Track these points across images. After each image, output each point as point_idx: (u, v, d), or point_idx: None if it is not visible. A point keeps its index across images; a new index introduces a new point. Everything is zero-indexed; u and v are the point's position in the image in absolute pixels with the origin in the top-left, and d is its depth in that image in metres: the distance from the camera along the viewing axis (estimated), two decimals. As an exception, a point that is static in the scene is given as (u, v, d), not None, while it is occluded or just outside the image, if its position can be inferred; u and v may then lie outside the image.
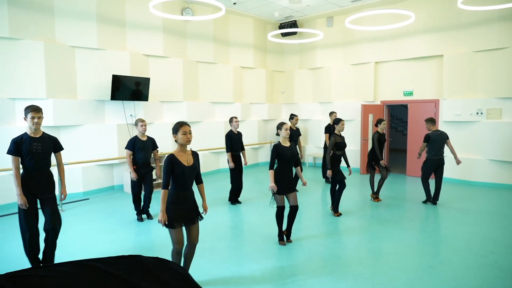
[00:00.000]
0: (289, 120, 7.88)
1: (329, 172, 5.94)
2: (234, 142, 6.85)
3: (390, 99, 10.05)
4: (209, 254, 4.54)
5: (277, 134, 4.88)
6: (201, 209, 3.69)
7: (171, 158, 3.42)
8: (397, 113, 16.11)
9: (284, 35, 11.44)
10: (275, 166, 4.77)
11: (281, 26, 11.45)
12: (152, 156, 6.19)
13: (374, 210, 6.55)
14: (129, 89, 8.03)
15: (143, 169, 5.93)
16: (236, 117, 6.93)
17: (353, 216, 6.12)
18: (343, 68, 10.81)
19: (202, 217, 3.66)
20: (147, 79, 8.34)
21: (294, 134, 7.77)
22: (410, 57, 9.45)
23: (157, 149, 6.21)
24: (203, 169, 9.68)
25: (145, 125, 5.95)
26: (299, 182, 7.96)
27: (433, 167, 6.67)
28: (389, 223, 5.76)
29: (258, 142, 11.43)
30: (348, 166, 6.24)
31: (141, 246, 4.91)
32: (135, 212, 6.09)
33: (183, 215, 3.50)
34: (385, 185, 8.51)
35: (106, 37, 7.95)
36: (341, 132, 6.09)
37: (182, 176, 3.44)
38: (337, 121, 6.05)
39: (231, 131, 6.92)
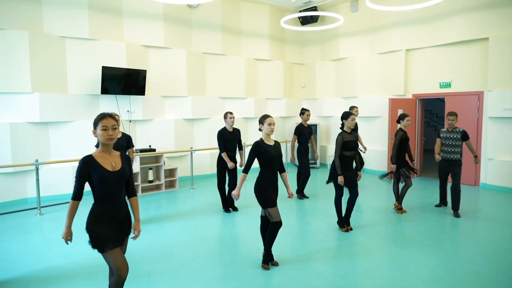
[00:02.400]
0: (300, 115, 6.84)
1: (340, 179, 4.84)
2: (227, 141, 5.95)
3: (423, 92, 8.65)
4: (167, 277, 3.67)
5: (260, 130, 3.91)
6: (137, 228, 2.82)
7: (87, 160, 2.59)
8: (433, 108, 14.36)
9: (304, 23, 10.34)
10: (253, 169, 3.81)
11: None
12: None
13: (394, 224, 5.36)
14: (121, 82, 7.38)
15: None
16: (231, 113, 6.01)
17: (366, 232, 4.99)
18: (369, 58, 9.54)
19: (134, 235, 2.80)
20: (143, 71, 7.66)
21: (306, 132, 6.73)
22: (448, 42, 8.02)
23: (133, 148, 5.46)
24: (213, 170, 8.88)
25: (118, 120, 5.20)
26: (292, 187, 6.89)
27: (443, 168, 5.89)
28: (410, 243, 4.58)
29: (284, 140, 10.42)
30: (359, 169, 5.12)
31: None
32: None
33: (115, 233, 2.66)
34: (415, 193, 7.24)
35: (100, 26, 7.35)
36: (351, 128, 4.98)
37: (103, 185, 2.59)
38: (346, 115, 4.94)
39: (224, 128, 6.02)
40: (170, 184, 8.10)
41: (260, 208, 6.28)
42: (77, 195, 2.59)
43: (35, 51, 6.60)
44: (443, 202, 6.21)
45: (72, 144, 7.14)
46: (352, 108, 7.58)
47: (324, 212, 6.07)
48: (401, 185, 6.11)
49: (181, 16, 8.59)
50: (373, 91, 9.57)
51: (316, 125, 10.63)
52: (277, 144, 3.89)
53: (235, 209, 6.20)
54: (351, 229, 5.09)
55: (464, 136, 5.60)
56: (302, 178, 6.90)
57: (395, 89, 9.03)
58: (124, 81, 7.39)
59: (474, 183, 7.88)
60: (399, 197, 5.96)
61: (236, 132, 6.12)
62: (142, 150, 7.53)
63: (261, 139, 3.86)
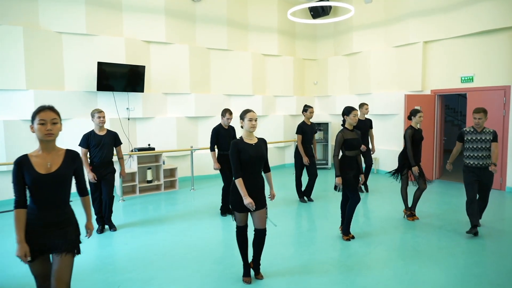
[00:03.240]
0: (302, 112, 6.35)
1: (337, 180, 4.36)
2: (222, 139, 5.55)
3: (443, 87, 7.96)
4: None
5: (241, 127, 3.49)
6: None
7: (20, 161, 2.27)
8: (457, 105, 13.44)
9: (315, 15, 9.81)
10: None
11: (312, 8, 9.81)
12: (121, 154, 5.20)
13: (404, 233, 4.81)
14: (118, 78, 7.12)
15: (102, 170, 4.90)
16: (229, 110, 5.62)
17: (371, 242, 4.47)
18: (384, 52, 8.91)
19: (78, 251, 2.46)
20: (142, 67, 7.37)
21: (309, 131, 6.23)
22: (470, 33, 7.30)
23: (121, 145, 5.15)
24: (216, 171, 8.51)
25: (104, 117, 4.90)
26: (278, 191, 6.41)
27: (473, 178, 4.66)
28: (419, 256, 4.03)
29: (284, 140, 9.98)
30: (362, 172, 4.60)
31: (95, 264, 3.81)
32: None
33: (45, 241, 2.33)
34: (432, 197, 6.61)
35: (98, 22, 7.12)
36: (353, 126, 4.47)
37: (36, 188, 2.26)
38: (348, 110, 4.44)
39: (219, 125, 5.64)
40: (171, 185, 7.79)
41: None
42: (19, 202, 2.28)
43: (30, 47, 6.42)
44: (475, 222, 4.56)
45: (69, 142, 6.90)
46: (362, 105, 7.02)
47: (327, 217, 5.57)
48: (412, 188, 5.51)
49: (184, 10, 8.26)
50: (388, 87, 8.93)
51: (327, 124, 10.08)
52: (260, 143, 3.45)
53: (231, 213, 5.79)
54: (352, 237, 4.59)
55: (494, 137, 4.57)
56: (309, 181, 6.41)
57: (412, 85, 8.37)
58: (122, 78, 7.13)
59: (499, 187, 7.14)
60: (413, 202, 5.38)
61: (231, 130, 5.73)
62: (140, 149, 7.26)
63: (240, 137, 3.43)
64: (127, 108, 7.53)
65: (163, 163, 7.58)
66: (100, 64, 6.81)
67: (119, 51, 7.34)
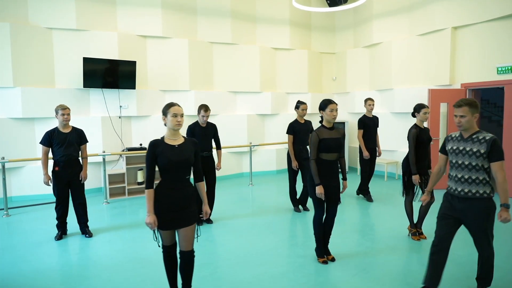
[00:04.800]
0: (295, 109, 5.59)
1: (318, 190, 3.55)
2: (198, 139, 4.96)
3: (475, 80, 6.75)
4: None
5: (165, 125, 2.86)
6: None
7: None
8: (496, 98, 11.63)
9: (332, 4, 8.91)
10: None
11: (329, -5, 8.92)
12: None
13: (400, 256, 3.90)
14: (107, 75, 6.79)
15: (70, 170, 4.51)
16: (205, 109, 5.01)
17: (354, 266, 3.64)
18: (407, 41, 7.82)
19: None
20: (132, 63, 7.00)
21: (301, 131, 5.43)
22: (508, 14, 6.08)
23: (86, 143, 4.74)
24: (219, 172, 8.03)
25: (68, 114, 4.51)
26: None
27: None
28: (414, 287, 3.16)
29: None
30: (344, 178, 3.78)
31: (56, 272, 3.43)
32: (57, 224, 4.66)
33: None
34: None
35: (89, 16, 6.85)
36: (333, 123, 3.67)
37: None
38: (324, 104, 3.65)
39: (195, 123, 5.06)
40: (166, 187, 7.33)
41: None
42: None
43: (17, 44, 6.29)
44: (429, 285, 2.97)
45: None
46: (366, 100, 6.13)
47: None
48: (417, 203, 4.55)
49: (183, 3, 7.79)
50: (412, 81, 7.83)
51: (344, 123, 9.13)
52: (187, 144, 2.81)
53: (209, 221, 5.20)
54: (332, 259, 3.78)
55: (493, 152, 2.72)
56: (304, 188, 5.64)
57: (439, 78, 7.23)
58: (110, 74, 6.80)
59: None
60: (418, 217, 4.44)
61: (211, 127, 5.12)
62: (130, 149, 6.89)
63: (162, 137, 2.82)
64: (121, 106, 7.20)
65: (156, 164, 7.16)
66: (86, 60, 6.52)
67: (112, 46, 7.02)
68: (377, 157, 6.42)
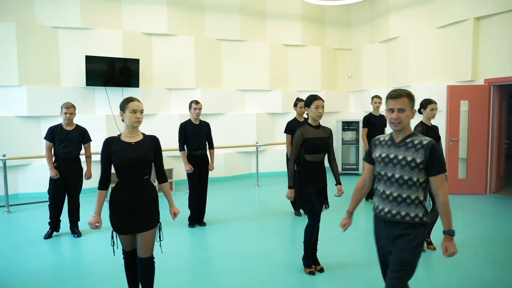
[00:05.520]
0: (294, 107, 5.28)
1: (288, 193, 3.30)
2: (190, 137, 4.77)
3: (501, 75, 6.14)
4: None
5: (122, 120, 2.65)
6: None
7: None
8: None
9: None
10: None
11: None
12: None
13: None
14: (109, 73, 6.75)
15: (68, 168, 4.45)
16: (196, 101, 4.82)
17: (344, 279, 3.30)
18: (425, 35, 7.27)
19: None
20: (135, 61, 6.92)
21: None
22: (538, 1, 5.47)
23: (90, 142, 4.65)
24: (227, 173, 7.85)
25: (71, 114, 4.43)
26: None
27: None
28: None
29: (309, 142, 8.83)
30: (338, 183, 3.44)
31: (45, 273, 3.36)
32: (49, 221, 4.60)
33: None
34: (473, 218, 5.03)
35: (94, 15, 6.85)
36: (318, 121, 3.36)
37: None
38: (310, 100, 3.35)
39: (188, 121, 4.86)
40: (172, 186, 7.21)
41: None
42: None
43: (23, 43, 6.36)
44: None
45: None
46: (373, 98, 5.74)
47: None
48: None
49: (190, -1, 7.66)
50: (430, 77, 7.28)
51: (358, 122, 8.67)
52: (145, 142, 2.60)
53: (202, 223, 4.98)
54: (321, 269, 3.45)
55: (431, 163, 2.04)
56: None
57: (460, 74, 6.65)
58: (112, 72, 6.76)
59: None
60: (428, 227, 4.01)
61: (204, 125, 4.91)
62: (133, 148, 6.81)
63: (119, 134, 2.62)
64: (125, 105, 7.14)
65: (160, 164, 7.06)
66: (88, 58, 6.51)
67: (116, 44, 6.98)
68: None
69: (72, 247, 4.22)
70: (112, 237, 2.68)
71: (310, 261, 3.45)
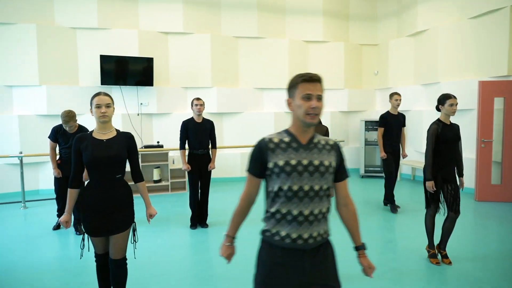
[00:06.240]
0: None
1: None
2: (191, 135, 4.63)
3: (542, 69, 5.47)
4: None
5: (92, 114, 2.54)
6: None
7: None
8: None
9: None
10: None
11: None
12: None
13: (415, 285, 3.14)
14: (123, 72, 6.80)
15: (69, 167, 4.49)
16: (198, 99, 4.68)
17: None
18: (456, 26, 6.67)
19: None
20: (150, 60, 6.92)
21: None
22: None
23: None
24: (244, 173, 7.69)
25: (71, 126, 4.42)
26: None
27: None
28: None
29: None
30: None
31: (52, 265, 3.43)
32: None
33: None
34: (504, 231, 4.50)
35: (111, 15, 6.94)
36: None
37: None
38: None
39: (190, 119, 4.73)
40: (184, 186, 7.15)
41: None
42: None
43: (43, 44, 6.56)
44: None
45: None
46: (392, 95, 5.31)
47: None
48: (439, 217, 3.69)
49: (206, -4, 7.56)
50: (461, 73, 6.67)
51: (383, 122, 8.15)
52: (118, 138, 2.48)
53: (205, 225, 4.83)
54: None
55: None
56: None
57: (495, 68, 6.02)
58: (126, 71, 6.80)
59: None
60: (441, 236, 3.61)
61: (207, 124, 4.76)
62: (147, 146, 6.83)
63: (91, 131, 2.51)
64: (141, 104, 7.19)
65: (173, 162, 7.03)
66: (102, 58, 6.59)
67: (132, 44, 7.03)
68: (402, 160, 5.54)
69: (70, 244, 4.22)
70: (83, 239, 2.59)
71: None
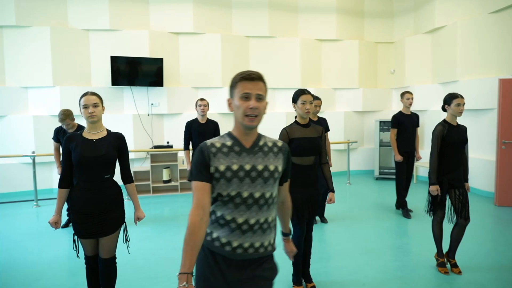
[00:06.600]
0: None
1: None
2: (195, 136, 4.59)
3: None
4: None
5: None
6: None
7: None
8: None
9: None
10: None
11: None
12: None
13: (405, 294, 2.98)
14: (133, 72, 6.84)
15: None
16: (202, 99, 4.65)
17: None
18: (475, 22, 6.35)
19: None
20: (159, 60, 6.93)
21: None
22: None
23: None
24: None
25: (68, 124, 4.47)
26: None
27: None
28: None
29: (344, 141, 8.22)
30: (330, 189, 3.01)
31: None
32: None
33: None
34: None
35: (122, 16, 7.00)
36: (308, 119, 2.96)
37: None
38: (296, 95, 2.94)
39: (194, 120, 4.71)
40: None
41: None
42: None
43: (57, 46, 6.69)
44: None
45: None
46: (403, 94, 5.09)
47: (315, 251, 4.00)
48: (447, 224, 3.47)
49: (217, -4, 7.53)
50: (481, 71, 6.34)
51: (398, 123, 7.86)
52: (108, 139, 2.47)
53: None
54: (313, 288, 3.04)
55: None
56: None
57: (517, 66, 5.69)
58: (136, 72, 6.84)
59: None
60: (450, 244, 3.40)
61: (211, 124, 4.71)
62: (157, 147, 6.86)
63: (81, 131, 2.50)
64: (152, 104, 7.22)
65: (183, 163, 7.03)
66: (113, 59, 6.66)
67: (143, 44, 7.08)
68: (416, 162, 5.32)
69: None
70: (74, 240, 2.57)
71: (300, 278, 3.06)
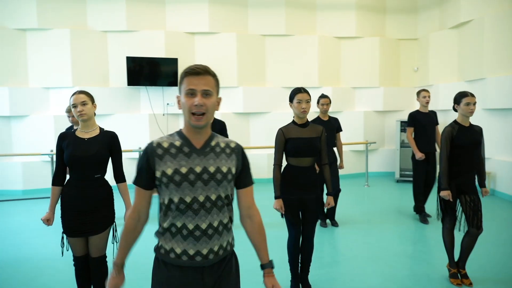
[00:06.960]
0: (317, 104, 4.75)
1: (276, 204, 2.81)
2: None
3: None
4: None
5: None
6: None
7: None
8: None
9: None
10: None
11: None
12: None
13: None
14: (148, 73, 6.93)
15: None
16: None
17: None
18: (503, 16, 5.95)
19: None
20: (174, 60, 6.98)
21: (326, 128, 4.49)
22: None
23: None
24: (269, 174, 7.49)
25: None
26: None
27: None
28: None
29: (364, 141, 7.96)
30: (328, 193, 2.88)
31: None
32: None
33: None
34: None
35: (138, 17, 7.11)
36: (305, 119, 2.84)
37: None
38: (293, 93, 2.84)
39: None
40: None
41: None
42: None
43: (76, 47, 6.88)
44: None
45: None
46: (419, 92, 4.83)
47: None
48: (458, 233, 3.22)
49: (233, -5, 7.48)
50: (510, 68, 5.93)
51: (421, 123, 7.51)
52: (100, 138, 2.51)
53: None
54: (311, 295, 2.92)
55: None
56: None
57: (550, 61, 5.27)
58: (151, 72, 6.92)
59: None
60: (460, 254, 3.17)
61: (217, 124, 4.64)
62: (171, 146, 6.90)
63: (75, 130, 2.52)
64: (167, 104, 7.28)
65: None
66: (129, 59, 6.76)
67: (159, 45, 7.15)
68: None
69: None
70: (62, 238, 2.58)
71: (298, 285, 2.94)
